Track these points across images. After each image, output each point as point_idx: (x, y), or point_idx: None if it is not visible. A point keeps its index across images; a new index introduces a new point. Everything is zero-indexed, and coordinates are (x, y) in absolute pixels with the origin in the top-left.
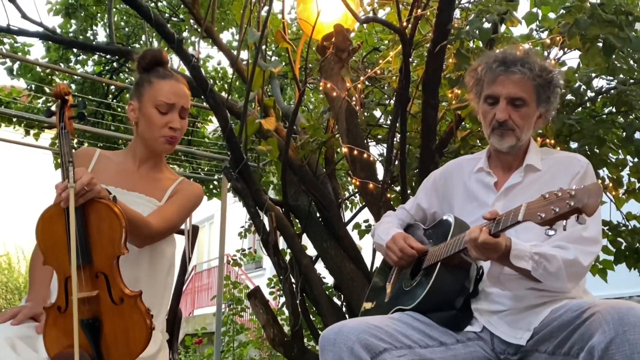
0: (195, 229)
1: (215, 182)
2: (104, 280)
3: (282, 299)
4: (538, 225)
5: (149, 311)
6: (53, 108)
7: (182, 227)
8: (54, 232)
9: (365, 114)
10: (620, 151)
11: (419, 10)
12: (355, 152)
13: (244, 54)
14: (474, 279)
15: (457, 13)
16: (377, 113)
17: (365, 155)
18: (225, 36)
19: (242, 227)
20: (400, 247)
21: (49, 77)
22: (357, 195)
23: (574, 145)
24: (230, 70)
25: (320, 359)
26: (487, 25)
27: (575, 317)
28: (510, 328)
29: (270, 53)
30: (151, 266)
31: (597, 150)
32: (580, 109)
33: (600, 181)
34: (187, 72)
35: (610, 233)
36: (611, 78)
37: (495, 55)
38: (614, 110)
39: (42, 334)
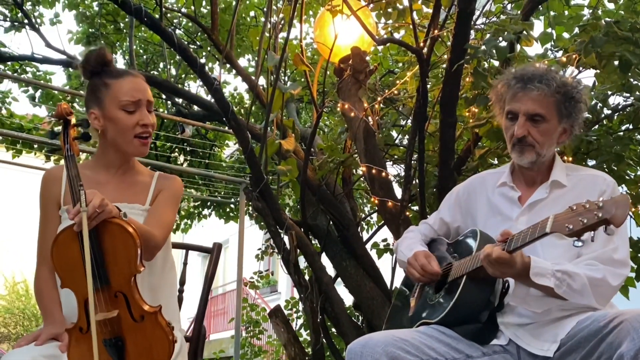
0: (218, 247)
1: (232, 206)
2: (123, 299)
3: (299, 322)
4: (566, 236)
5: (169, 324)
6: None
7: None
8: (69, 256)
9: (381, 135)
10: (638, 167)
11: (435, 31)
12: (374, 171)
13: (262, 80)
14: (500, 293)
15: (472, 34)
16: (394, 134)
17: (383, 174)
18: (241, 62)
19: (259, 249)
20: (421, 264)
21: (70, 103)
22: (373, 216)
23: (591, 162)
24: (246, 96)
25: None
26: (503, 44)
27: (602, 327)
28: (537, 340)
29: (286, 78)
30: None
31: (615, 167)
32: (597, 126)
33: None
34: (205, 96)
35: (631, 249)
36: (628, 95)
37: (514, 73)
38: (631, 127)
39: (65, 352)
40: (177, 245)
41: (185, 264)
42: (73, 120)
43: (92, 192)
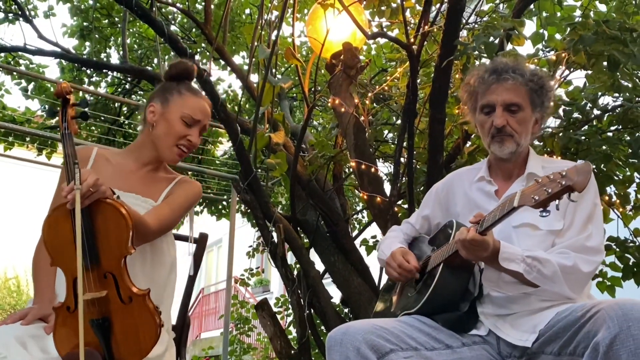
0: (203, 237)
1: (225, 203)
2: (112, 280)
3: (289, 319)
4: (533, 208)
5: (157, 309)
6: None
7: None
8: (61, 234)
9: (371, 131)
10: (627, 168)
11: (426, 27)
12: (363, 166)
13: (254, 77)
14: (479, 282)
15: (464, 33)
16: (385, 132)
17: (372, 170)
18: (236, 60)
19: (250, 246)
20: (399, 263)
21: None
22: (363, 213)
23: (580, 162)
24: (240, 93)
25: (327, 359)
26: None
27: (580, 317)
28: (516, 330)
29: (279, 76)
30: (153, 265)
31: (604, 168)
32: (586, 126)
33: (607, 198)
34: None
35: (618, 249)
36: (617, 95)
37: (486, 66)
38: (620, 127)
39: (51, 333)
40: None
41: None
42: (72, 99)
43: (87, 171)
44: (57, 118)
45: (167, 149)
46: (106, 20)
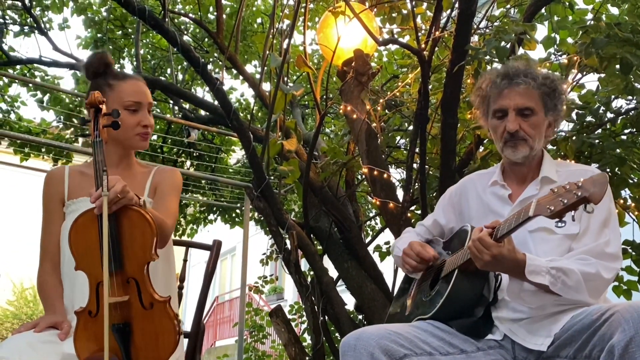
0: (218, 244)
1: (238, 211)
2: (134, 285)
3: (304, 326)
4: (548, 218)
5: (177, 316)
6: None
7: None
8: (87, 238)
9: (383, 137)
10: None
11: (437, 33)
12: (376, 172)
13: (266, 85)
14: (494, 288)
15: (475, 38)
16: (397, 138)
17: (385, 176)
18: (248, 68)
19: (264, 254)
20: (417, 252)
21: (78, 108)
22: (376, 219)
23: (594, 165)
24: (253, 101)
25: None
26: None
27: (595, 320)
28: (531, 335)
29: (291, 84)
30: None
31: (619, 171)
32: (600, 130)
33: (622, 201)
34: (212, 100)
35: (634, 253)
36: (630, 98)
37: (498, 70)
38: (634, 130)
39: (65, 340)
40: (178, 243)
41: (185, 260)
42: (104, 109)
43: (114, 178)
44: (88, 128)
45: (130, 141)
46: (120, 32)
